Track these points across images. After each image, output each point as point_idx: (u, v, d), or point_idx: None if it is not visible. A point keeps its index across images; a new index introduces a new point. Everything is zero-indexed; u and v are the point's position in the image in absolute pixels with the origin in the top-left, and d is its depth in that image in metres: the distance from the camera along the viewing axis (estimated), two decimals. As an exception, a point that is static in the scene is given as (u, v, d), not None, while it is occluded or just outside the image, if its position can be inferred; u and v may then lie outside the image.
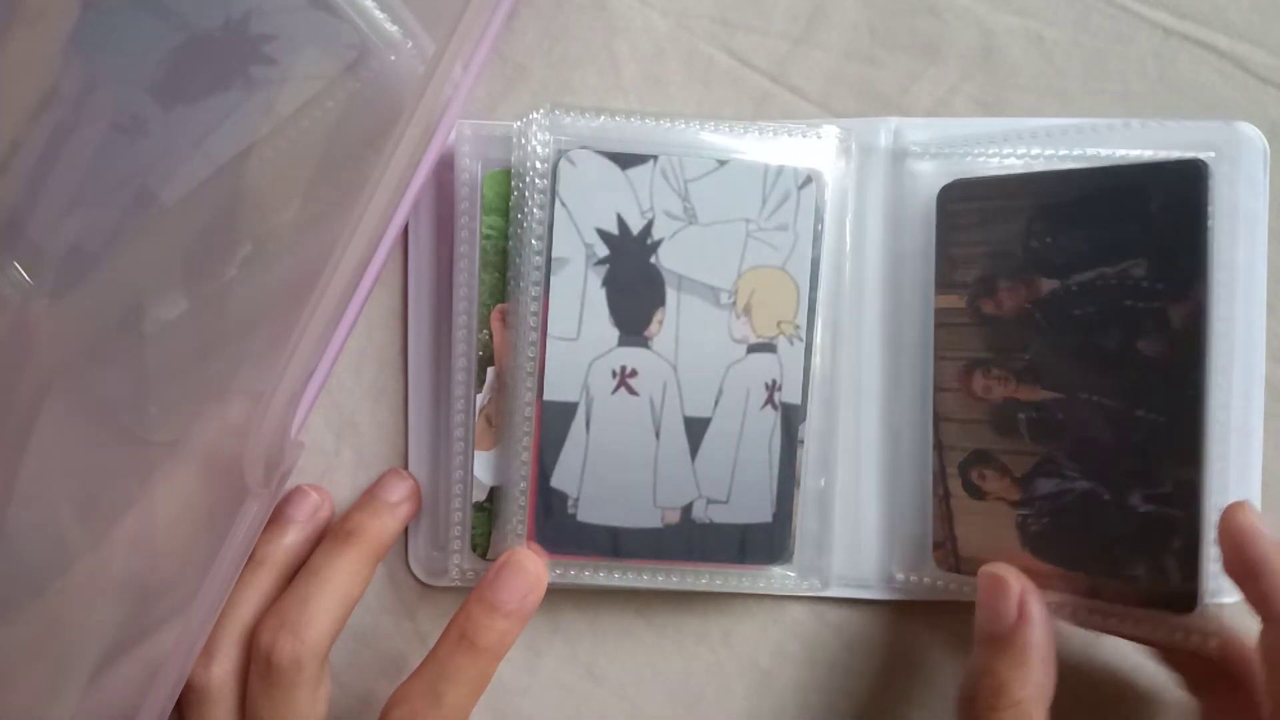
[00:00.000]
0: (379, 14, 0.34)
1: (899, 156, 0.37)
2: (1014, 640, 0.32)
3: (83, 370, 0.33)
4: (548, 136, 0.35)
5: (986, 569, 0.34)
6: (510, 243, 0.36)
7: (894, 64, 0.38)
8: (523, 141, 0.35)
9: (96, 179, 0.32)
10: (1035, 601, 0.33)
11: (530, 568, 0.34)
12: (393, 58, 0.34)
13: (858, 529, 0.38)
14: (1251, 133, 0.37)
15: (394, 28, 0.35)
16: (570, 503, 0.35)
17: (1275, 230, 0.37)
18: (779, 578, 0.36)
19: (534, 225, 0.35)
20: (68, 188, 0.32)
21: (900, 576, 0.37)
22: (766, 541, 0.36)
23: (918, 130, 0.37)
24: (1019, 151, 0.37)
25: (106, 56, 0.33)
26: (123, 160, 0.33)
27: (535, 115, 0.35)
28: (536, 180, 0.35)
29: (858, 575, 0.38)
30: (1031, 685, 0.32)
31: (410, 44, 0.35)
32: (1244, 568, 0.31)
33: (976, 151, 0.37)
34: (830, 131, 0.36)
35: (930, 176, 0.37)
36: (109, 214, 0.33)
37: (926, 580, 0.37)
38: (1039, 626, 0.32)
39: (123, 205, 0.33)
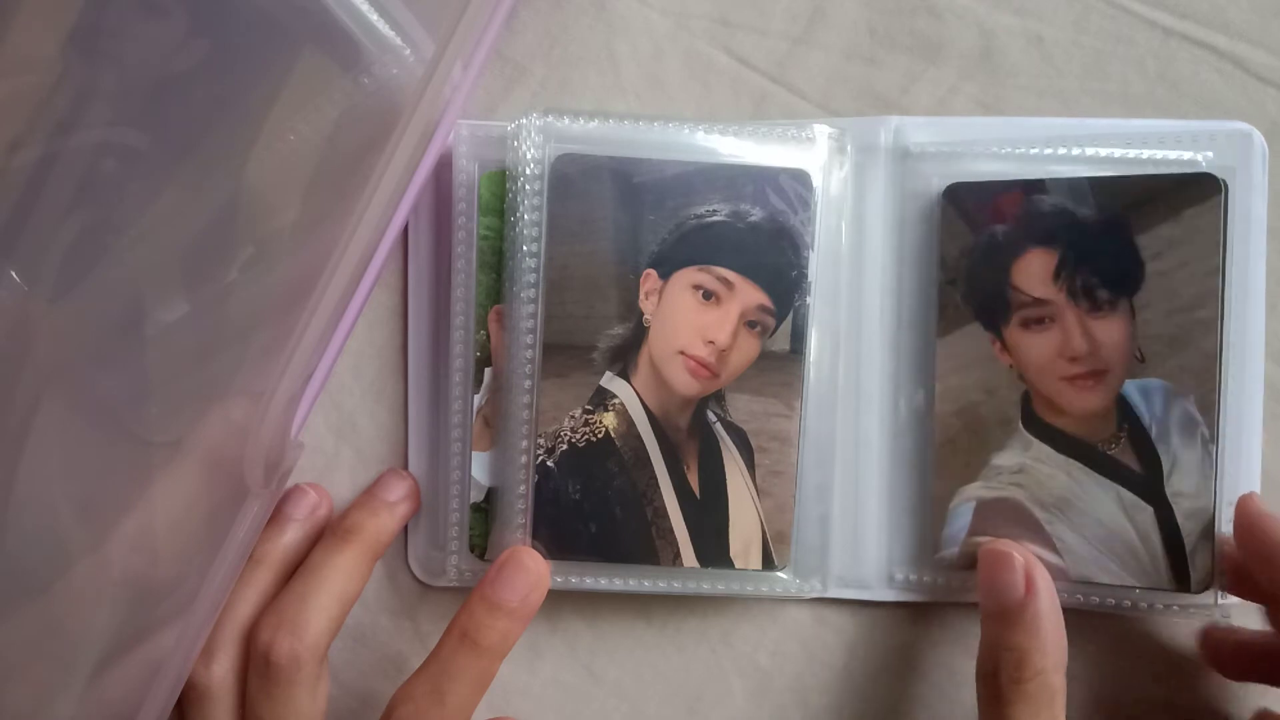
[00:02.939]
0: (379, 16, 0.34)
1: (899, 156, 0.37)
2: (1025, 612, 0.33)
3: (84, 371, 0.33)
4: (540, 139, 0.35)
5: (988, 546, 0.35)
6: (505, 245, 0.36)
7: (894, 64, 0.38)
8: (515, 144, 0.35)
9: (96, 180, 0.32)
10: (1040, 572, 0.33)
11: (532, 566, 0.34)
12: (392, 59, 0.35)
13: (858, 529, 0.38)
14: (1251, 133, 0.37)
15: (393, 29, 0.35)
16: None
17: (1275, 230, 0.37)
18: (780, 581, 0.36)
19: (527, 229, 0.35)
20: (67, 189, 0.32)
21: (900, 576, 0.37)
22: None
23: (918, 130, 0.37)
24: (1019, 151, 0.37)
25: (106, 57, 0.33)
26: (122, 162, 0.33)
27: (526, 119, 0.35)
28: (529, 184, 0.35)
29: (858, 576, 0.38)
30: (1051, 654, 0.32)
31: (410, 45, 0.35)
32: (1260, 553, 0.33)
33: (977, 151, 0.37)
34: (822, 131, 0.36)
35: (930, 176, 0.37)
36: (109, 216, 0.33)
37: (926, 580, 0.37)
38: (1048, 596, 0.33)
39: (123, 207, 0.33)
